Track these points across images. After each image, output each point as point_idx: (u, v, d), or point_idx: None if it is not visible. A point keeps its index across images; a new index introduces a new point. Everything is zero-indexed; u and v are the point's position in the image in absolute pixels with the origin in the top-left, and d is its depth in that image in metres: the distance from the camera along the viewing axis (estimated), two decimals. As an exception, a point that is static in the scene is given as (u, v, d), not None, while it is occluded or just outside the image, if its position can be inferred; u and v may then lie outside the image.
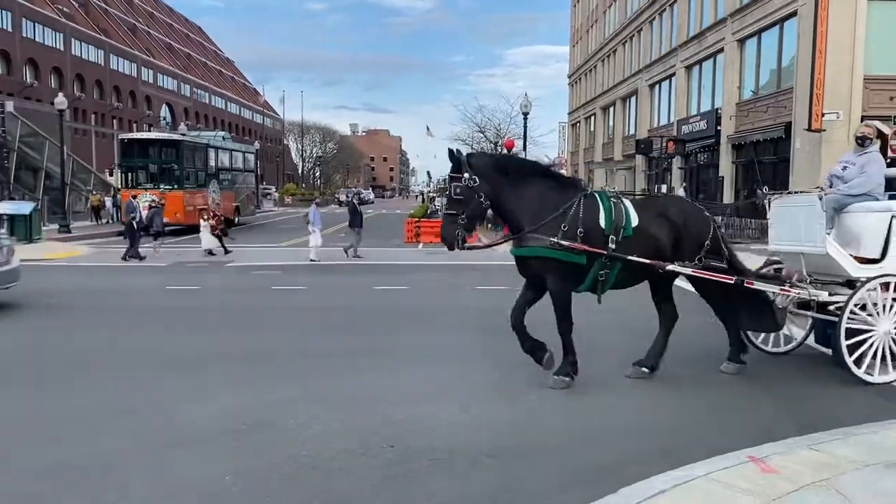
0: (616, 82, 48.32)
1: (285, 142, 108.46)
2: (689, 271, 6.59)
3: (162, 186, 27.26)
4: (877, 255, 6.80)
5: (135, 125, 64.67)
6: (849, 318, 6.46)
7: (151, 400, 6.16)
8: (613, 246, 6.30)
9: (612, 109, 49.63)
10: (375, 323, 9.81)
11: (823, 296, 6.98)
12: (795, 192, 7.78)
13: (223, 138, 35.49)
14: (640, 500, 3.87)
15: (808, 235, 6.86)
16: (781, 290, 6.94)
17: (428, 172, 76.23)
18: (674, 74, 36.96)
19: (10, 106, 28.32)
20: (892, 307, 6.59)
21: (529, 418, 5.69)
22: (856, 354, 6.52)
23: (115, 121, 65.12)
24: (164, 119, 74.04)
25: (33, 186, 32.07)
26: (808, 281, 7.19)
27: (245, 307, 11.32)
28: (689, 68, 35.25)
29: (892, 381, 6.52)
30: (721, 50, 30.82)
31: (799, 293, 6.98)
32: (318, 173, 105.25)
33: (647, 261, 6.40)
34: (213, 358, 7.73)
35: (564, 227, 6.20)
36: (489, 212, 6.66)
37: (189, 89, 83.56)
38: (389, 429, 5.37)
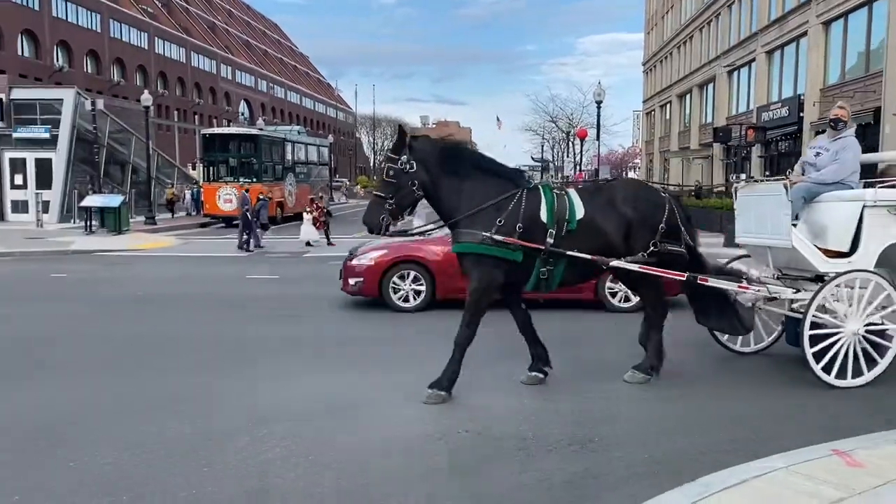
0: (693, 69, 47.05)
1: (357, 135, 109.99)
2: (634, 267, 6.03)
3: (241, 180, 28.11)
4: (845, 249, 6.26)
5: (215, 121, 66.81)
6: (814, 317, 6.01)
7: (244, 381, 6.45)
8: (552, 241, 5.83)
9: (688, 97, 48.37)
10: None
11: (787, 293, 6.46)
12: (761, 180, 7.14)
13: (298, 132, 36.31)
14: (720, 488, 3.84)
15: (773, 227, 6.36)
16: (739, 286, 6.39)
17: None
18: (753, 60, 35.73)
19: (100, 104, 29.70)
20: (861, 305, 6.05)
21: (605, 408, 5.69)
22: (827, 357, 6.02)
23: (196, 116, 67.37)
24: (243, 114, 76.20)
25: (121, 180, 33.58)
26: (775, 276, 6.71)
27: (324, 296, 11.65)
28: (769, 53, 34.01)
29: (863, 385, 6.04)
30: (804, 34, 29.62)
31: (758, 291, 6.44)
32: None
33: (588, 256, 5.91)
34: (297, 343, 8.01)
35: (500, 221, 5.77)
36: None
37: (266, 85, 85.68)
38: (463, 414, 5.49)
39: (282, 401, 5.87)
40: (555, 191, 6.08)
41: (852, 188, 6.42)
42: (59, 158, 29.79)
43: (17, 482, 4.28)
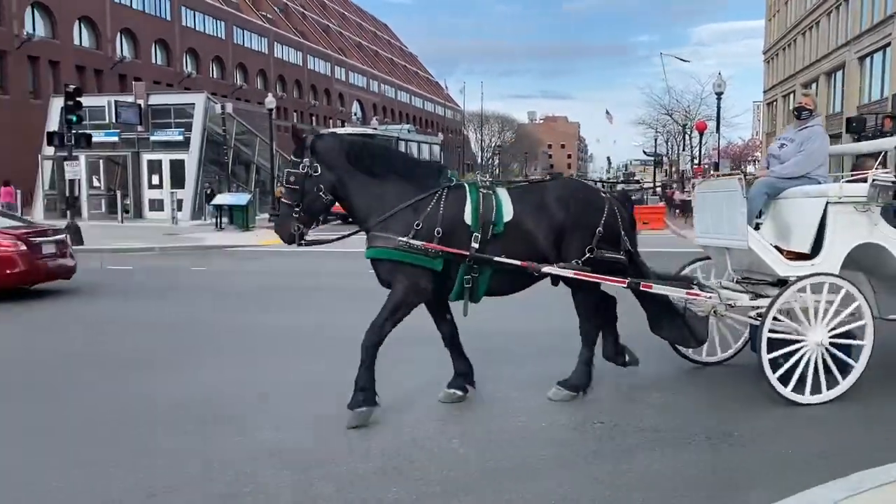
0: (819, 56, 44.59)
1: (465, 132, 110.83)
2: (568, 273, 5.42)
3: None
4: (806, 250, 5.66)
5: (330, 121, 69.15)
6: (773, 326, 5.43)
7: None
8: (477, 246, 5.23)
9: (814, 86, 45.88)
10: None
11: (743, 300, 5.86)
12: (719, 175, 6.41)
13: (408, 131, 37.10)
14: (871, 486, 3.78)
15: (730, 227, 5.80)
16: (688, 293, 5.78)
17: (608, 158, 74.53)
18: (889, 45, 33.50)
19: (229, 107, 31.53)
20: (826, 314, 5.43)
21: (742, 403, 5.62)
22: (784, 367, 5.42)
23: (312, 118, 69.93)
24: (356, 114, 78.45)
25: (246, 179, 35.43)
26: (735, 280, 6.19)
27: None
28: (907, 37, 31.82)
29: (826, 401, 5.41)
30: (948, 14, 27.54)
31: (710, 298, 5.85)
32: (496, 162, 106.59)
33: (519, 262, 5.30)
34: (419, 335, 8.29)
35: (418, 224, 5.17)
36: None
37: (377, 85, 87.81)
38: (594, 406, 5.56)
39: (400, 391, 6.11)
40: (481, 190, 5.43)
41: (819, 183, 5.85)
42: (191, 159, 31.77)
43: (203, 454, 4.71)
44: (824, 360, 5.44)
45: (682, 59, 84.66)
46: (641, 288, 5.63)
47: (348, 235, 5.78)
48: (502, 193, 5.50)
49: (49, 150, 27.72)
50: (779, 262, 5.64)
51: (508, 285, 5.60)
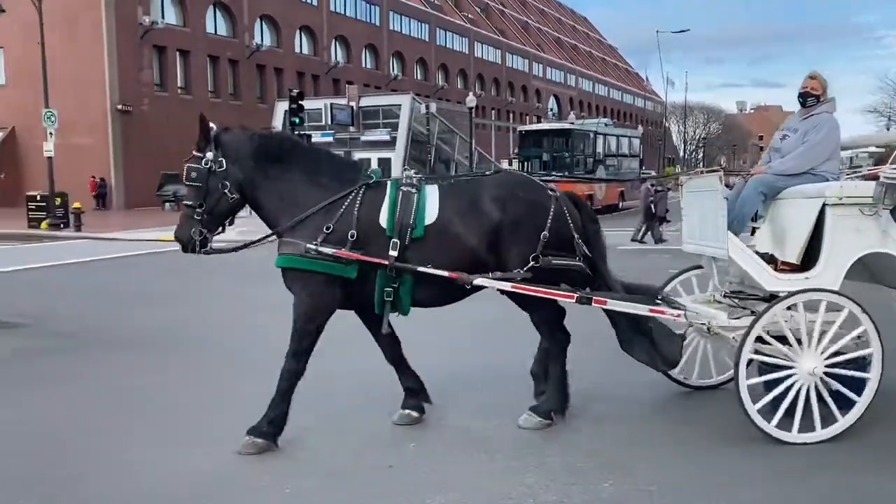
0: None
1: (666, 124, 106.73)
2: (505, 286, 4.63)
3: (554, 174, 29.06)
4: (794, 260, 4.81)
5: (526, 118, 69.66)
6: (756, 350, 4.57)
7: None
8: (395, 253, 4.53)
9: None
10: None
11: (720, 318, 4.88)
12: (703, 172, 5.46)
13: (605, 125, 36.44)
14: None
15: (712, 232, 4.98)
16: (652, 310, 4.89)
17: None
18: None
19: (433, 107, 32.95)
20: (823, 337, 4.53)
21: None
22: (767, 399, 4.59)
23: (510, 115, 70.83)
24: (552, 110, 78.36)
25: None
26: (723, 294, 5.29)
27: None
28: None
29: (816, 442, 4.50)
30: None
31: (679, 315, 4.94)
32: (700, 155, 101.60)
33: (445, 273, 4.53)
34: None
35: (329, 228, 4.54)
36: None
37: (575, 79, 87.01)
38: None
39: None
40: (404, 188, 4.73)
41: (827, 180, 4.92)
42: (396, 158, 33.51)
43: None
44: (819, 393, 4.60)
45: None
46: (594, 303, 4.72)
47: (258, 242, 4.93)
48: (430, 192, 4.76)
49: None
50: (765, 274, 4.76)
51: (439, 296, 4.82)
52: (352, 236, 4.54)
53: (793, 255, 4.84)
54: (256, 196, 4.70)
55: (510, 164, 41.68)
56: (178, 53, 40.61)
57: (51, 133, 24.79)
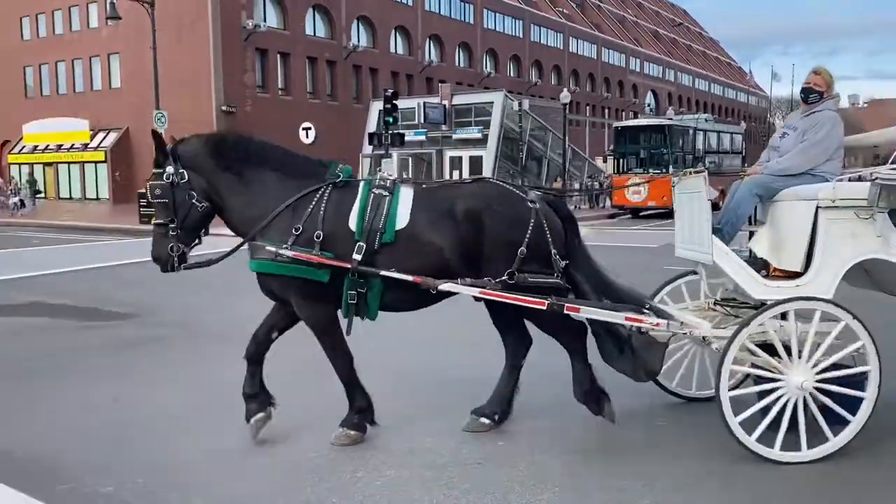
0: None
1: (771, 120, 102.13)
2: (473, 291, 4.43)
3: (650, 171, 28.32)
4: (797, 267, 4.53)
5: (622, 114, 68.16)
6: (741, 360, 4.39)
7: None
8: (360, 257, 4.38)
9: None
10: None
11: (703, 328, 4.64)
12: (691, 172, 5.13)
13: (706, 120, 35.19)
14: None
15: (698, 235, 4.80)
16: (627, 318, 4.58)
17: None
18: None
19: (525, 104, 32.76)
20: (815, 349, 4.29)
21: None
22: (749, 412, 4.33)
23: (605, 111, 69.55)
24: (649, 105, 76.39)
25: (537, 173, 36.43)
26: (713, 303, 5.19)
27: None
28: None
29: (800, 462, 4.25)
30: None
31: (657, 325, 4.57)
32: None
33: (409, 277, 4.38)
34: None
35: (298, 228, 4.40)
36: None
37: (673, 74, 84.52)
38: None
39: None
40: (376, 189, 4.56)
41: (828, 181, 4.63)
42: (488, 155, 33.51)
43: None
44: (808, 409, 4.33)
45: None
46: (566, 311, 4.49)
47: (233, 251, 4.70)
48: (404, 195, 4.58)
49: (368, 150, 31.10)
50: (753, 281, 4.54)
51: (409, 301, 4.67)
52: (317, 237, 4.41)
53: (791, 261, 4.57)
54: (222, 201, 4.65)
55: (605, 160, 41.03)
56: (278, 56, 41.95)
57: (162, 133, 26.10)
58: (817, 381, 4.29)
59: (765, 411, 4.35)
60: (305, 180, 4.60)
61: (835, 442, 4.28)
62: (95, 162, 43.01)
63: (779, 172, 4.81)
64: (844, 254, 4.41)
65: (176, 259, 4.58)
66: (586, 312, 4.56)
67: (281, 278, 4.48)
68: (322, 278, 4.42)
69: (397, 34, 50.09)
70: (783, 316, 4.37)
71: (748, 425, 4.27)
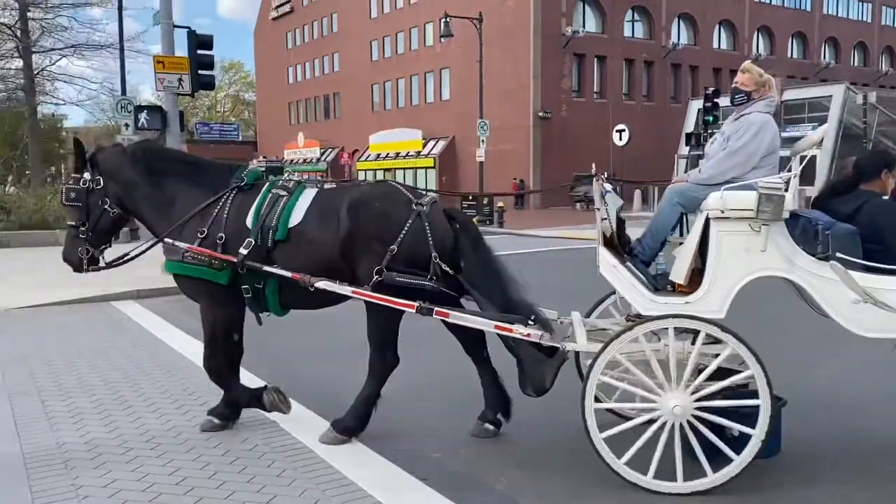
0: None
1: None
2: (346, 290, 4.42)
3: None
4: (681, 280, 4.09)
5: None
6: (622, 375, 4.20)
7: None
8: (245, 252, 4.51)
9: None
10: None
11: (580, 342, 4.24)
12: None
13: None
14: None
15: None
16: (497, 326, 4.34)
17: None
18: None
19: (872, 97, 28.81)
20: (697, 372, 3.91)
21: None
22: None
23: (978, 100, 58.44)
24: None
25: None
26: (626, 318, 4.61)
27: None
28: None
29: (674, 493, 3.83)
30: None
31: (528, 335, 4.26)
32: None
33: (288, 274, 4.47)
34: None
35: (203, 232, 4.61)
36: None
37: None
38: None
39: None
40: (276, 190, 4.70)
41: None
42: (823, 155, 30.10)
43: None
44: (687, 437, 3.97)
45: None
46: (435, 315, 4.42)
47: (140, 254, 4.90)
48: (305, 196, 4.70)
49: (685, 150, 29.91)
50: (639, 295, 4.17)
51: (312, 299, 4.65)
52: (220, 239, 4.61)
53: (678, 274, 4.18)
54: (137, 208, 4.89)
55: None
56: (595, 59, 42.33)
57: (483, 140, 27.93)
58: (696, 409, 3.94)
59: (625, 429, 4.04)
60: (214, 186, 4.82)
61: (712, 479, 3.88)
62: (426, 168, 47.38)
63: (700, 182, 4.40)
64: (737, 270, 3.97)
65: (85, 261, 4.88)
66: (455, 318, 4.46)
67: (189, 280, 4.73)
68: (221, 280, 4.61)
69: (721, 28, 47.44)
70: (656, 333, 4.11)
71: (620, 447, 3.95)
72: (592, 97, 42.34)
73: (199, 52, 14.29)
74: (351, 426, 4.61)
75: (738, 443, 3.90)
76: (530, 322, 4.40)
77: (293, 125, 62.39)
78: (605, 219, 4.45)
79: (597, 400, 4.11)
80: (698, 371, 3.98)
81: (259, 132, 71.02)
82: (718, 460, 3.89)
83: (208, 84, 14.98)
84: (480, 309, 4.55)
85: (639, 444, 3.96)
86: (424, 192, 4.76)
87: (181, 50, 14.29)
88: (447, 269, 4.53)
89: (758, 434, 3.85)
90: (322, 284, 4.48)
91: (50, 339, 7.76)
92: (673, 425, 3.94)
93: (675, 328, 3.97)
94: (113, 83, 32.13)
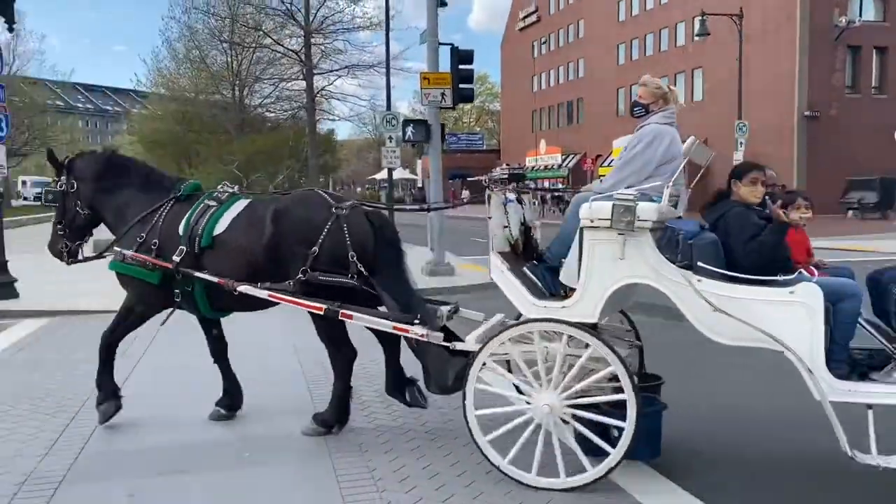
0: None
1: None
2: (262, 293, 4.79)
3: None
4: (565, 281, 4.41)
5: None
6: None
7: None
8: (178, 259, 4.92)
9: None
10: None
11: (469, 341, 4.44)
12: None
13: None
14: None
15: None
16: (395, 327, 4.67)
17: None
18: None
19: None
20: (565, 374, 4.13)
21: None
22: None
23: None
24: None
25: None
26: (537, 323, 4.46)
27: None
28: None
29: (560, 489, 4.05)
30: None
31: (420, 335, 4.53)
32: None
33: (214, 279, 4.86)
34: None
35: (141, 237, 5.10)
36: None
37: None
38: None
39: None
40: (209, 201, 5.14)
41: (653, 201, 4.16)
42: None
43: None
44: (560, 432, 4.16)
45: None
46: (341, 316, 4.70)
47: (102, 253, 5.57)
48: (236, 206, 5.16)
49: None
50: (523, 300, 4.30)
51: (240, 303, 5.10)
52: (154, 244, 5.08)
53: (568, 278, 4.36)
54: (100, 210, 5.49)
55: None
56: (874, 51, 37.85)
57: (741, 143, 26.22)
58: (568, 407, 4.14)
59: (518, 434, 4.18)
60: (159, 195, 5.32)
61: (593, 472, 4.04)
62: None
63: (599, 191, 4.48)
64: (606, 277, 4.12)
65: (65, 254, 5.55)
66: (358, 319, 4.72)
67: (123, 277, 5.23)
68: (153, 280, 5.08)
69: None
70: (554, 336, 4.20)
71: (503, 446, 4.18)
72: (870, 93, 37.83)
73: (461, 66, 15.04)
74: (328, 420, 5.04)
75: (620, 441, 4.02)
76: (416, 321, 4.60)
77: (535, 132, 63.30)
78: (507, 227, 4.63)
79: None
80: (572, 371, 4.10)
81: (502, 140, 73.12)
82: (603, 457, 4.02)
83: (468, 97, 15.71)
84: (386, 307, 4.83)
85: (519, 444, 4.12)
86: (347, 199, 5.09)
87: (442, 65, 15.17)
88: (362, 268, 4.77)
89: (629, 427, 3.94)
90: (243, 288, 4.82)
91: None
92: (548, 423, 4.12)
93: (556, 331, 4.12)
94: (375, 99, 34.93)
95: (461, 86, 15.01)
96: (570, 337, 4.06)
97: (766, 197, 4.53)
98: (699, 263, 3.98)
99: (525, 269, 4.54)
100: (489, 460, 4.18)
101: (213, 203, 5.15)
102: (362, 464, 4.49)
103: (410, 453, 4.67)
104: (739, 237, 4.11)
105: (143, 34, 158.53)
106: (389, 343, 5.15)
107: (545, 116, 64.13)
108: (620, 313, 5.10)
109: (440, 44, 15.21)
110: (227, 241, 4.97)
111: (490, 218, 4.56)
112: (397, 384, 5.20)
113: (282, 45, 30.91)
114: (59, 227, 5.54)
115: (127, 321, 5.29)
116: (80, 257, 5.64)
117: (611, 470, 3.99)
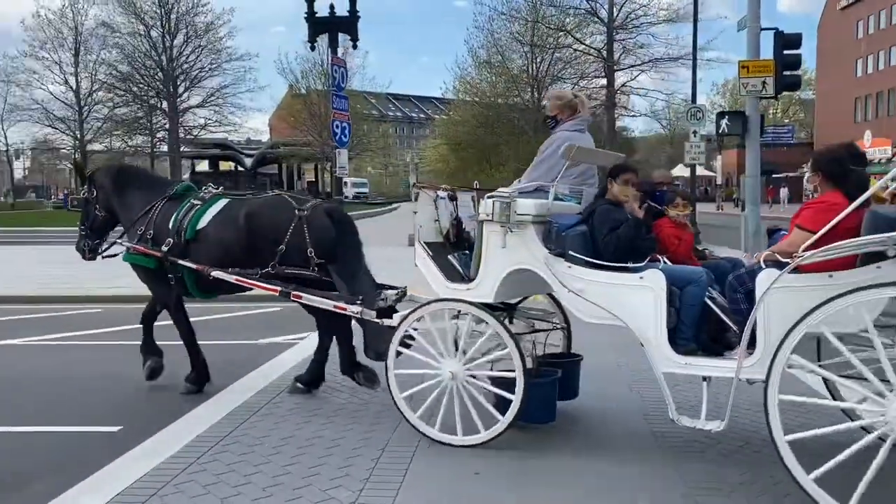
0: None
1: None
2: (231, 278, 5.74)
3: None
4: (472, 272, 4.97)
5: None
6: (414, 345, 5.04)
7: None
8: (166, 248, 5.93)
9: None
10: None
11: (394, 320, 5.15)
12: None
13: None
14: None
15: None
16: (336, 306, 5.47)
17: None
18: None
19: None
20: (470, 346, 4.83)
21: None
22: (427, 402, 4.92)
23: None
24: None
25: None
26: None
27: None
28: None
29: (476, 444, 4.70)
30: None
31: (357, 313, 5.39)
32: None
33: (193, 265, 5.85)
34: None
35: (140, 230, 6.14)
36: None
37: None
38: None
39: None
40: (193, 200, 6.12)
41: (560, 200, 4.99)
42: None
43: None
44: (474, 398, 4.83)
45: None
46: (291, 298, 5.61)
47: (115, 242, 6.60)
48: (217, 205, 6.01)
49: None
50: (440, 284, 5.02)
51: (213, 285, 5.98)
52: (149, 236, 6.06)
53: (473, 265, 4.95)
54: (115, 212, 6.53)
55: None
56: None
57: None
58: (469, 376, 4.81)
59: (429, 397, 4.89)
60: (157, 196, 6.28)
61: (484, 434, 4.67)
62: None
63: (515, 190, 4.94)
64: (499, 263, 4.75)
65: (86, 251, 6.68)
66: (307, 300, 5.59)
67: (136, 267, 6.28)
68: (150, 265, 6.08)
69: None
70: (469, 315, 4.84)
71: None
72: None
73: (785, 52, 13.91)
74: (307, 379, 6.02)
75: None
76: (357, 301, 5.36)
77: (859, 123, 56.28)
78: (437, 220, 5.24)
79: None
80: (476, 345, 4.75)
81: (817, 132, 65.80)
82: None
83: (793, 84, 14.55)
84: (338, 290, 5.57)
85: (427, 402, 4.82)
86: (309, 199, 5.83)
87: (761, 52, 14.13)
88: (319, 260, 5.62)
89: (516, 398, 4.58)
90: (216, 274, 5.75)
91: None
92: (452, 388, 4.79)
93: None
94: (676, 93, 33.60)
95: (785, 72, 13.92)
96: (474, 315, 4.69)
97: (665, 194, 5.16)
98: (570, 252, 4.49)
99: (451, 256, 5.12)
100: (402, 413, 4.88)
101: (198, 202, 6.11)
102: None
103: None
104: (601, 230, 4.52)
105: (443, 45, 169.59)
106: (342, 328, 5.89)
107: (871, 104, 56.72)
108: (549, 297, 5.71)
109: (761, 29, 14.21)
110: (207, 234, 5.93)
111: (416, 213, 5.22)
112: (350, 364, 5.91)
113: (583, 44, 30.97)
114: (81, 228, 6.71)
115: (171, 304, 6.26)
116: (99, 252, 6.68)
117: (500, 434, 4.63)
